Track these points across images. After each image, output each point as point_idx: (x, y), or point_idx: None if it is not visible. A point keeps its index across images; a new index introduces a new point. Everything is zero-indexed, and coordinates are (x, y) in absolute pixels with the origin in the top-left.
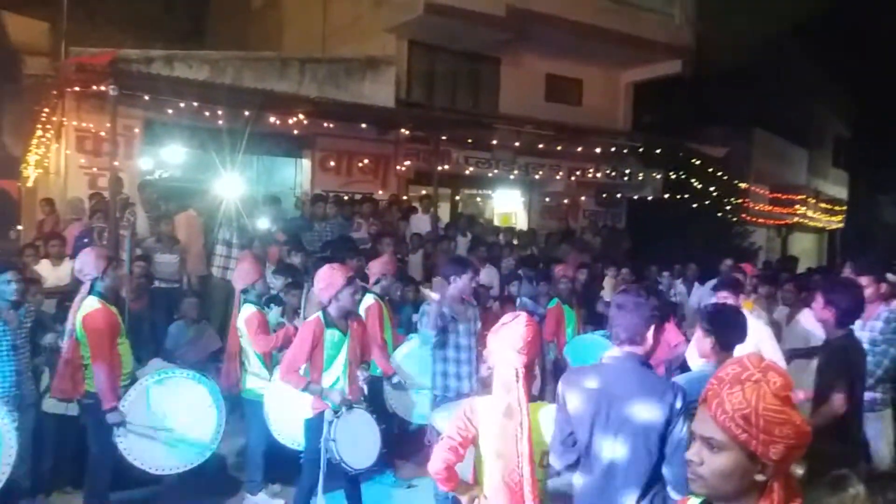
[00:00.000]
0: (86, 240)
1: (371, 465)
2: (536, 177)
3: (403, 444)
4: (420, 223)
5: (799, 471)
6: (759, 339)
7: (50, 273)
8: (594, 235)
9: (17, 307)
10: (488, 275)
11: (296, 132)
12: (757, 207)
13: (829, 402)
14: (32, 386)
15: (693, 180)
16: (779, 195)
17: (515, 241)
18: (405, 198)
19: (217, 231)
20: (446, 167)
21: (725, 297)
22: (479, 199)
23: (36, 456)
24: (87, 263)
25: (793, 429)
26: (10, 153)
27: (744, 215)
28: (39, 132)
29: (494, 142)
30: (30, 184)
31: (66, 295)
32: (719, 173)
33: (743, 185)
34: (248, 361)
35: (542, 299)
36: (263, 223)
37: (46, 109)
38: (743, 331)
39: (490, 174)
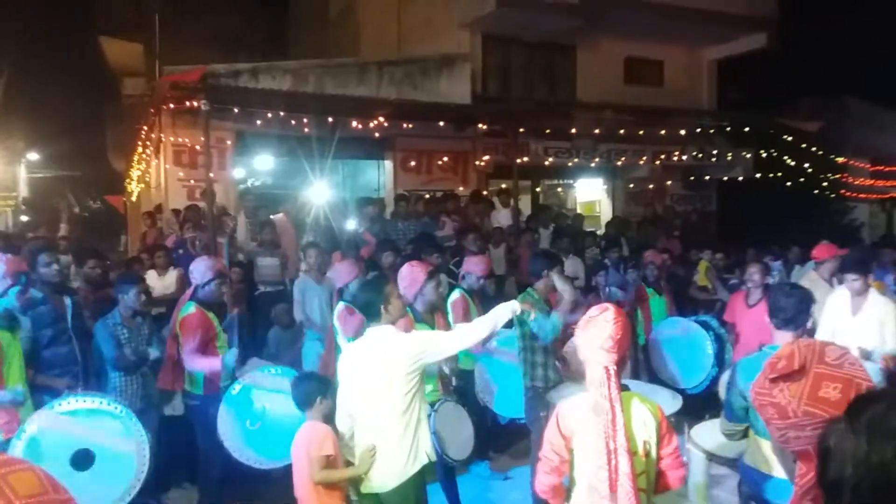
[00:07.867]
0: (180, 250)
1: (468, 457)
2: (619, 163)
3: (497, 436)
4: (501, 217)
5: None
6: (883, 317)
7: (156, 283)
8: (682, 220)
9: (137, 316)
10: (573, 266)
11: (377, 135)
12: (857, 182)
13: None
14: (153, 388)
15: (786, 157)
16: (881, 167)
17: (600, 231)
18: (485, 192)
19: (307, 234)
20: (525, 159)
21: (855, 279)
22: (560, 189)
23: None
24: (195, 270)
25: (776, 409)
26: (116, 170)
27: (843, 191)
28: (140, 149)
29: (573, 130)
30: (134, 198)
31: (171, 303)
32: (813, 148)
33: (840, 160)
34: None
35: (631, 288)
36: (351, 225)
37: (145, 127)
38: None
39: (570, 163)
